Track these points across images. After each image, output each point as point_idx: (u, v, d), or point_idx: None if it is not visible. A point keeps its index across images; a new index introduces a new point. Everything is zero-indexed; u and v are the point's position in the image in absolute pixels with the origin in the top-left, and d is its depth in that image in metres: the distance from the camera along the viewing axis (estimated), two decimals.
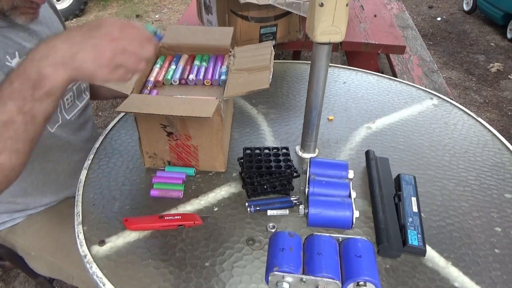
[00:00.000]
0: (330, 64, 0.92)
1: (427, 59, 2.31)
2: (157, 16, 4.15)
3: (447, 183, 0.90)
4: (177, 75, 0.94)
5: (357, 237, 0.72)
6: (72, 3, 3.95)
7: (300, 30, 1.55)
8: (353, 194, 0.79)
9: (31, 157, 0.83)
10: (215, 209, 0.82)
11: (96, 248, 0.75)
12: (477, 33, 3.75)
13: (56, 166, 0.97)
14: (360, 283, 0.64)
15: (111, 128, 1.05)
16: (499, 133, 1.05)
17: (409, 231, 0.74)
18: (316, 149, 0.97)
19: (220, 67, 0.96)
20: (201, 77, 0.93)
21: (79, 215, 0.81)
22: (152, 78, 0.92)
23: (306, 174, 0.84)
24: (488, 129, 1.06)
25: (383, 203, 0.80)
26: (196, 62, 0.98)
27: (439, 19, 4.06)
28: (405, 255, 0.73)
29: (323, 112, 0.98)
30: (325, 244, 0.70)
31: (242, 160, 0.87)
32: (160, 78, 0.93)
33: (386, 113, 1.12)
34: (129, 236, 0.77)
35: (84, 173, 0.91)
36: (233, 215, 0.81)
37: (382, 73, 1.36)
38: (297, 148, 0.98)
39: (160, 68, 0.96)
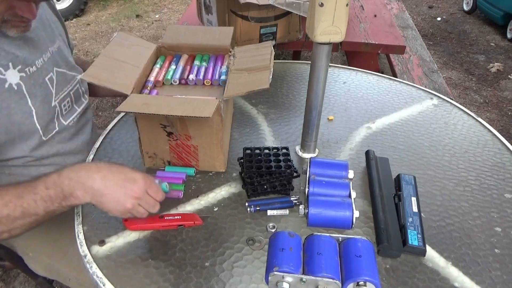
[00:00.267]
0: (330, 64, 0.92)
1: (427, 59, 2.31)
2: (157, 16, 4.15)
3: (447, 183, 0.90)
4: (177, 75, 0.94)
5: (357, 237, 0.72)
6: (72, 3, 3.95)
7: (300, 30, 1.55)
8: (353, 194, 0.79)
9: (28, 163, 0.93)
10: (215, 209, 0.82)
11: (96, 248, 0.75)
12: (477, 33, 3.75)
13: (53, 170, 0.97)
14: (360, 283, 0.64)
15: (111, 128, 1.05)
16: (499, 133, 1.05)
17: (409, 231, 0.74)
18: (316, 149, 0.97)
19: (220, 67, 0.96)
20: (201, 77, 0.93)
21: (79, 215, 0.81)
22: (152, 78, 0.92)
23: (306, 174, 0.84)
24: (488, 129, 1.06)
25: (383, 203, 0.80)
26: (196, 62, 0.98)
27: (439, 19, 4.06)
28: (405, 255, 0.73)
29: (323, 112, 0.98)
30: (325, 244, 0.70)
31: (242, 160, 0.87)
32: (160, 78, 0.93)
33: (386, 113, 1.12)
34: (129, 236, 0.77)
35: None
36: (233, 215, 0.81)
37: (382, 73, 1.36)
38: (297, 148, 0.98)
39: (160, 68, 0.96)
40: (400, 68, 2.21)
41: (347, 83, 1.25)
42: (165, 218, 0.78)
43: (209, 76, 0.94)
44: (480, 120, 1.09)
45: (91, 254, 0.74)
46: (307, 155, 0.96)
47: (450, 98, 1.19)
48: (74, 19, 4.03)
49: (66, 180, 0.70)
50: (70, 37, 1.11)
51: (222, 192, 0.86)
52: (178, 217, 0.78)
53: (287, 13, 1.44)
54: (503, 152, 0.99)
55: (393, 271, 0.71)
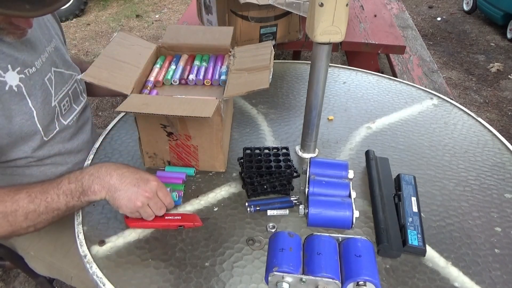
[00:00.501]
0: (330, 64, 0.92)
1: (427, 59, 2.31)
2: (157, 16, 4.15)
3: (447, 183, 0.90)
4: (177, 75, 0.94)
5: (357, 237, 0.72)
6: (72, 3, 3.94)
7: (300, 30, 1.55)
8: (353, 194, 0.79)
9: (29, 163, 0.95)
10: (215, 209, 0.82)
11: (96, 248, 0.75)
12: (477, 33, 3.75)
13: (55, 169, 0.97)
14: (360, 283, 0.64)
15: (111, 128, 1.05)
16: (499, 133, 1.05)
17: (409, 231, 0.74)
18: (316, 149, 0.97)
19: (220, 67, 0.96)
20: (201, 77, 0.93)
21: (79, 215, 0.82)
22: (152, 78, 0.92)
23: (306, 174, 0.84)
24: (488, 129, 1.06)
25: (383, 203, 0.80)
26: (196, 62, 0.98)
27: (439, 19, 4.06)
28: (405, 255, 0.73)
29: (323, 112, 0.98)
30: (325, 244, 0.70)
31: (242, 160, 0.87)
32: (160, 78, 0.93)
33: (386, 113, 1.12)
34: (129, 236, 0.77)
35: None
36: (233, 215, 0.81)
37: (382, 73, 1.36)
38: (297, 148, 0.98)
39: (160, 68, 0.96)
40: (400, 68, 2.21)
41: (347, 83, 1.25)
42: (166, 217, 0.78)
43: (209, 76, 0.94)
44: (480, 120, 1.09)
45: (91, 254, 0.74)
46: (307, 155, 0.96)
47: (450, 98, 1.18)
48: (74, 19, 4.03)
49: (86, 175, 0.74)
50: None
51: (222, 192, 0.86)
52: (179, 217, 0.79)
53: (287, 13, 1.44)
54: (503, 152, 0.99)
55: (393, 271, 0.71)
